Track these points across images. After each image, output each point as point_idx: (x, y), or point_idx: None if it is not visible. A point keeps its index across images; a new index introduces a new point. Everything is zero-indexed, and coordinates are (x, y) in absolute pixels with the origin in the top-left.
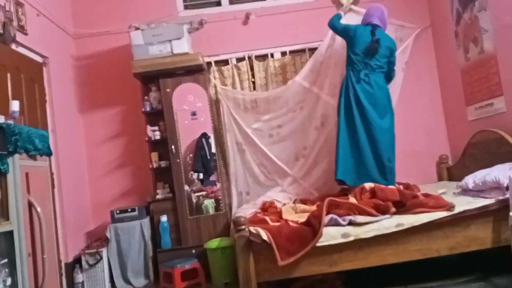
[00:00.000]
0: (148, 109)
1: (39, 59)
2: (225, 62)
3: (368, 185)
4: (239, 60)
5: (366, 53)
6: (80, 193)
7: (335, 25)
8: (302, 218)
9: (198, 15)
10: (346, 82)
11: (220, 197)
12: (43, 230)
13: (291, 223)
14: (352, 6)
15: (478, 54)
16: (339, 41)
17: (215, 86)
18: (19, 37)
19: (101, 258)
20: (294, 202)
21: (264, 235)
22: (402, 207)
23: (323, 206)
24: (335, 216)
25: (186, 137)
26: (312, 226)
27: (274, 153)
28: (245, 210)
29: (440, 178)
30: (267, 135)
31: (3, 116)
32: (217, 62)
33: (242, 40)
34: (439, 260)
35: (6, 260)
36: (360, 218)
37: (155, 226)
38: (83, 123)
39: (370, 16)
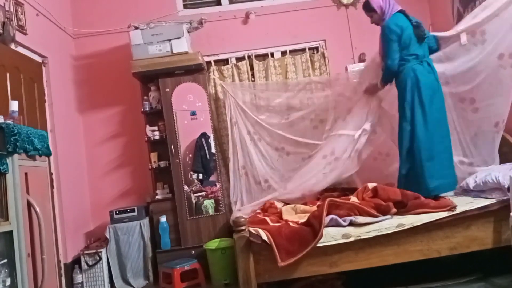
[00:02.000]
0: (147, 109)
1: (38, 59)
2: (225, 61)
3: (371, 184)
4: (239, 59)
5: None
6: (80, 193)
7: (394, 66)
8: (302, 218)
9: (197, 15)
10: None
11: (219, 198)
12: (42, 231)
13: (291, 224)
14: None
15: None
16: None
17: (220, 85)
18: (19, 37)
19: (101, 258)
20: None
21: (264, 235)
22: (403, 207)
23: (323, 206)
24: (335, 217)
25: (185, 137)
26: (313, 227)
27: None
28: (245, 210)
29: None
30: (278, 118)
31: (2, 116)
32: (217, 62)
33: (242, 40)
34: (439, 260)
35: (5, 260)
36: (360, 219)
37: (154, 226)
38: (83, 123)
39: (394, 5)
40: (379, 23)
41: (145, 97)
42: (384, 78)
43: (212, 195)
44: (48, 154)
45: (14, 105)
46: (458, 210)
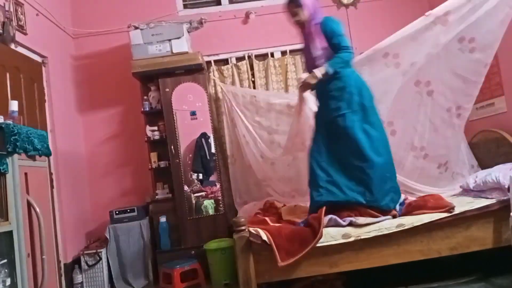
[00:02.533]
0: (147, 109)
1: (38, 59)
2: (225, 61)
3: None
4: (239, 59)
5: None
6: (79, 193)
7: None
8: (302, 218)
9: (197, 14)
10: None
11: (219, 198)
12: (42, 231)
13: (291, 224)
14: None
15: None
16: None
17: (218, 86)
18: (19, 37)
19: (101, 258)
20: None
21: (264, 235)
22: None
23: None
24: (334, 217)
25: (185, 137)
26: (312, 227)
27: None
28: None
29: None
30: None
31: (2, 116)
32: (217, 62)
33: (242, 39)
34: (439, 260)
35: (5, 260)
36: (361, 219)
37: (154, 226)
38: (82, 123)
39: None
40: (304, 22)
41: (145, 97)
42: (340, 60)
43: (212, 195)
44: (48, 154)
45: (14, 105)
46: (458, 210)
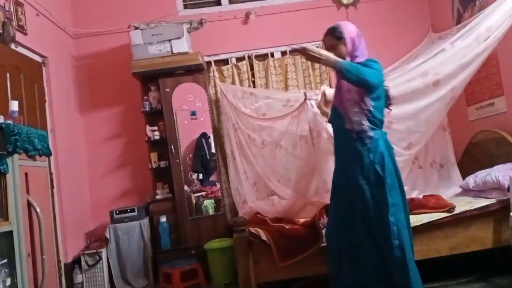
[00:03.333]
0: (147, 109)
1: (38, 59)
2: (225, 61)
3: None
4: (239, 59)
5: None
6: (80, 193)
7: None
8: (302, 218)
9: (197, 15)
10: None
11: (219, 198)
12: (42, 231)
13: (291, 224)
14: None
15: None
16: None
17: (218, 86)
18: (19, 37)
19: (101, 258)
20: None
21: (264, 236)
22: None
23: (322, 208)
24: None
25: (185, 137)
26: (312, 228)
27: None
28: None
29: None
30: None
31: (2, 116)
32: (217, 62)
33: (242, 40)
34: (439, 260)
35: (5, 260)
36: None
37: (154, 226)
38: (83, 123)
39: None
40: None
41: (145, 97)
42: (357, 69)
43: (212, 195)
44: (48, 154)
45: (14, 105)
46: (458, 210)
